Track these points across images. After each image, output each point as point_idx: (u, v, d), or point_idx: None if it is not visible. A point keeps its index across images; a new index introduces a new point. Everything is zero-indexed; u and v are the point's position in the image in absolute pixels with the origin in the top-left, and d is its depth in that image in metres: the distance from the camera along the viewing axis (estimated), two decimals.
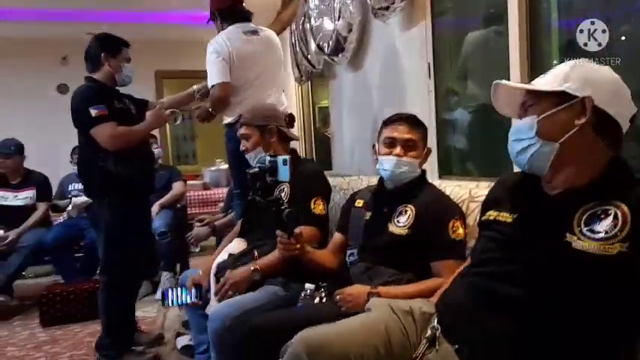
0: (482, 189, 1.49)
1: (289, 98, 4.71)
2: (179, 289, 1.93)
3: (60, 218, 3.74)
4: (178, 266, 3.71)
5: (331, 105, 3.76)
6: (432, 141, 2.17)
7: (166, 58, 5.76)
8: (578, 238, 0.94)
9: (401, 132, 1.55)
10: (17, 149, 3.52)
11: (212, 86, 2.44)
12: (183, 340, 2.41)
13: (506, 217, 1.09)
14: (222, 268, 1.85)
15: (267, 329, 1.33)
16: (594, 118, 0.98)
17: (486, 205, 1.20)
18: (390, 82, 2.61)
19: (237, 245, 2.01)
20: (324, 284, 1.54)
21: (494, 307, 1.00)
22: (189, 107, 2.72)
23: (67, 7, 4.53)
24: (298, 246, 1.55)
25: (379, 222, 1.54)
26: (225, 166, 3.61)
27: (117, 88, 2.38)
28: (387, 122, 1.61)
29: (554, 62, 1.64)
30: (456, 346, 1.03)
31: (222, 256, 1.95)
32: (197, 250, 4.41)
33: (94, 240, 2.90)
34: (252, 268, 1.73)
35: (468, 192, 1.55)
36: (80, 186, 3.38)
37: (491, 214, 1.14)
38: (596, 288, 0.92)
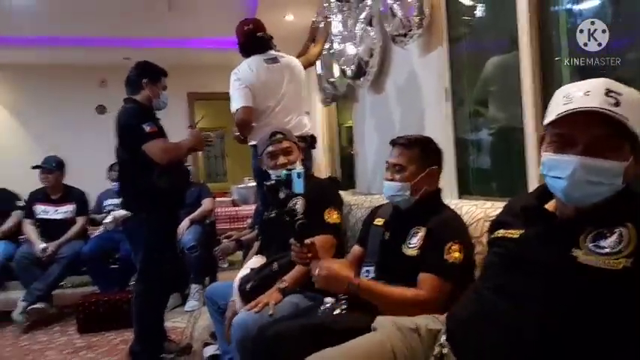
0: (496, 209, 1.46)
1: (315, 119, 4.84)
2: None
3: (96, 232, 3.85)
4: (207, 279, 3.82)
5: (354, 126, 3.84)
6: (450, 162, 2.23)
7: (198, 81, 5.94)
8: (584, 253, 0.94)
9: (393, 156, 1.60)
10: (58, 165, 3.68)
11: (236, 110, 2.62)
12: (210, 350, 2.47)
13: (512, 233, 1.10)
14: (244, 282, 1.93)
15: (289, 338, 1.37)
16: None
17: (495, 226, 1.21)
18: (409, 104, 2.68)
19: (256, 261, 2.10)
20: (344, 297, 1.56)
21: (500, 322, 0.99)
22: (232, 131, 2.88)
23: (106, 34, 4.79)
24: (310, 255, 1.58)
25: (395, 243, 1.56)
26: (254, 183, 3.75)
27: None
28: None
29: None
30: None
31: (244, 271, 2.04)
32: (226, 265, 4.55)
33: (129, 252, 2.99)
34: (281, 286, 1.79)
35: (484, 212, 1.56)
36: (116, 201, 3.53)
37: (500, 232, 1.16)
38: (603, 302, 0.90)
